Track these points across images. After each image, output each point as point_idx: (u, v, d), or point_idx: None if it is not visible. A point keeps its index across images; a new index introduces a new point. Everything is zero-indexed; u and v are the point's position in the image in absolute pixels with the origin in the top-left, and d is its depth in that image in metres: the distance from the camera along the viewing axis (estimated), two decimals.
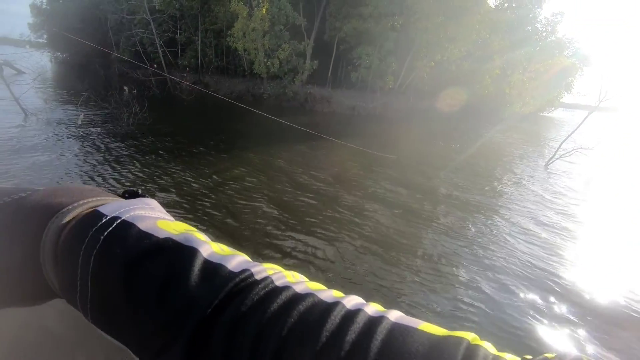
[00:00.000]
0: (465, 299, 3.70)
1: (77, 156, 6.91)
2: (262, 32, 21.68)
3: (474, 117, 25.68)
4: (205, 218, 4.87)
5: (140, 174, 6.30)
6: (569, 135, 10.75)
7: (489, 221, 6.04)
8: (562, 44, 30.29)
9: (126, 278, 0.25)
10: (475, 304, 3.65)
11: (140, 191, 0.35)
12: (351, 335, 0.22)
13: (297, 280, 0.28)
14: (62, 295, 0.28)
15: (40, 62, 13.56)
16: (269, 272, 0.27)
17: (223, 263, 0.27)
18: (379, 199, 6.47)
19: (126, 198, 0.34)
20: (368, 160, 9.02)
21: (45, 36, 33.79)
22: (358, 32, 21.94)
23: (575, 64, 30.58)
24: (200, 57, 26.89)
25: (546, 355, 0.19)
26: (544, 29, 28.71)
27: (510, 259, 4.71)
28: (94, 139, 8.25)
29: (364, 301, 0.26)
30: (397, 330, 0.22)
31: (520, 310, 3.64)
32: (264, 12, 20.73)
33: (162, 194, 5.55)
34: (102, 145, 7.77)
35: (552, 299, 3.89)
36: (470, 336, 0.21)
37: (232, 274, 0.26)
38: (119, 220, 0.28)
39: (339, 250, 4.40)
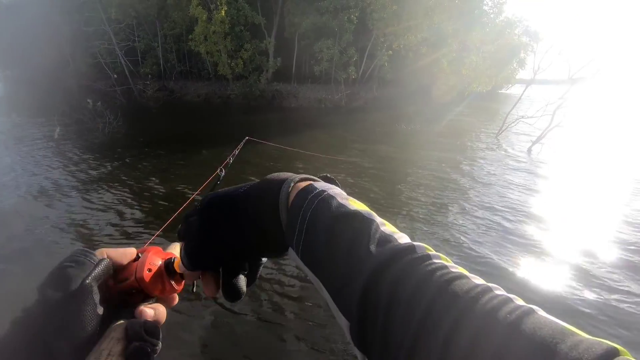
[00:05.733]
0: None
1: (58, 167, 7.25)
2: (223, 34, 21.88)
3: (435, 99, 26.95)
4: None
5: (125, 178, 6.74)
6: (512, 108, 11.94)
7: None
8: (511, 23, 32.01)
9: (329, 229, 0.36)
10: None
11: (329, 175, 0.47)
12: (503, 316, 0.24)
13: (451, 264, 0.32)
14: (286, 237, 0.40)
15: None
16: (428, 251, 0.33)
17: (393, 235, 0.35)
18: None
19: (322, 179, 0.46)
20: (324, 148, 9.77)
21: None
22: (317, 27, 22.53)
23: (524, 41, 32.41)
24: (162, 63, 26.69)
25: None
26: (491, 11, 30.31)
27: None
28: (73, 150, 8.55)
29: (511, 295, 0.28)
30: (548, 324, 0.23)
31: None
32: (223, 14, 20.94)
33: (148, 194, 6.05)
34: (81, 156, 8.11)
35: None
36: (619, 347, 0.21)
37: (400, 244, 0.34)
38: (326, 193, 0.39)
39: None
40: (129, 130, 10.28)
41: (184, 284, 0.50)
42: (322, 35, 22.86)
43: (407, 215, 5.68)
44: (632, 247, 4.77)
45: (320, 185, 0.41)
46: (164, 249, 0.50)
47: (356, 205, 0.39)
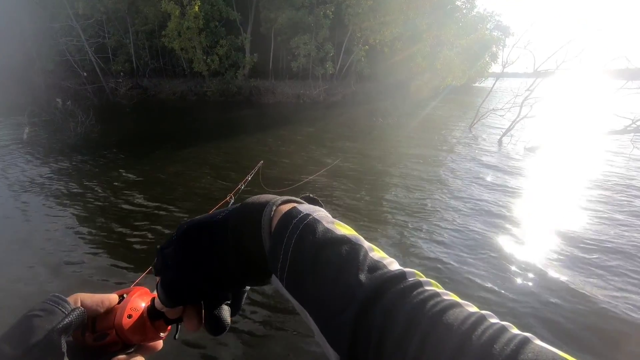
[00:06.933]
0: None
1: (26, 170, 6.98)
2: (197, 29, 21.52)
3: (411, 94, 27.42)
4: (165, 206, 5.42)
5: (97, 182, 6.61)
6: (483, 101, 12.42)
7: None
8: (483, 17, 32.90)
9: (315, 256, 0.34)
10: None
11: (311, 195, 0.46)
12: (500, 349, 0.23)
13: (442, 291, 0.31)
14: (269, 264, 0.38)
15: None
16: (418, 277, 0.33)
17: (382, 261, 0.34)
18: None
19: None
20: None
21: None
22: (293, 22, 22.49)
23: (495, 36, 33.35)
24: (134, 60, 25.95)
25: None
26: (464, 6, 31.01)
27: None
28: (45, 151, 8.23)
29: (504, 322, 0.27)
30: (544, 354, 0.23)
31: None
32: (197, 9, 20.58)
33: (129, 197, 5.97)
34: (54, 157, 7.83)
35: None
36: None
37: (390, 272, 0.33)
38: (311, 217, 0.37)
39: None
40: (103, 130, 10.00)
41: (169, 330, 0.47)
42: (299, 30, 22.84)
43: (384, 211, 5.85)
44: (593, 241, 5.08)
45: (305, 208, 0.39)
46: (152, 289, 0.46)
47: (343, 229, 0.38)
